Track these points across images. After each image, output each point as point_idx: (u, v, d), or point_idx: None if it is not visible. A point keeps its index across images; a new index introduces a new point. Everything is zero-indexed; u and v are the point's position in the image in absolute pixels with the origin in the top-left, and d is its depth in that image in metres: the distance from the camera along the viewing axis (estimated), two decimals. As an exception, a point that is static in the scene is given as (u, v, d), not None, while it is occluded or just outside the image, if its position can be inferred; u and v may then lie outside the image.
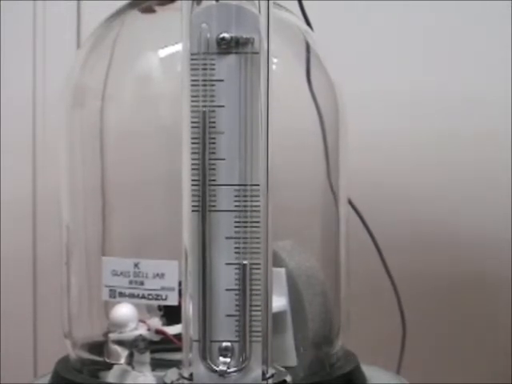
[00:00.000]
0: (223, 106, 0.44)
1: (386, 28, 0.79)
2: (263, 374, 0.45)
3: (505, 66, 0.78)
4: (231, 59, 0.44)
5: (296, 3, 0.58)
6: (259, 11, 0.45)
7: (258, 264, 0.44)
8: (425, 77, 0.79)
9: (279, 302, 0.50)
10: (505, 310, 0.77)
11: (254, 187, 0.45)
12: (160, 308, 0.51)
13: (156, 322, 0.51)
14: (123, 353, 0.51)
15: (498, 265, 0.78)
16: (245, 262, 0.44)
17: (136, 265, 0.49)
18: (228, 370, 0.44)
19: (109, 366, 0.51)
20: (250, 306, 0.44)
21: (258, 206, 0.45)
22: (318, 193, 0.56)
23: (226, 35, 0.44)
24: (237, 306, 0.44)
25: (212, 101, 0.44)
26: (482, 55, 0.79)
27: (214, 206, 0.45)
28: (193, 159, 0.45)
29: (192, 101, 0.44)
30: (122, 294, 0.49)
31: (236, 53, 0.44)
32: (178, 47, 0.47)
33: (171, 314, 0.50)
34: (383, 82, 0.78)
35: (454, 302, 0.79)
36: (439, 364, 0.78)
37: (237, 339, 0.44)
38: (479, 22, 0.79)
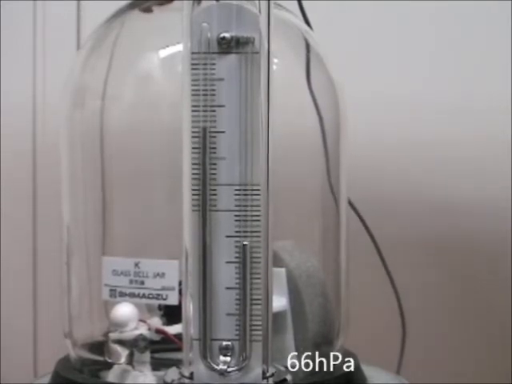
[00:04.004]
0: (224, 106, 0.44)
1: (387, 28, 0.79)
2: (263, 372, 0.45)
3: (505, 71, 0.78)
4: (232, 59, 0.44)
5: (296, 3, 0.58)
6: (259, 11, 0.45)
7: (259, 263, 0.45)
8: (425, 77, 0.79)
9: (279, 301, 0.50)
10: (505, 309, 0.77)
11: (255, 186, 0.45)
12: (160, 307, 0.51)
13: (156, 321, 0.51)
14: (123, 352, 0.51)
15: (498, 265, 0.78)
16: (245, 242, 0.44)
17: (136, 264, 0.49)
18: (228, 369, 0.45)
19: (109, 366, 0.51)
20: (251, 304, 0.44)
21: (259, 205, 0.45)
22: (318, 193, 0.56)
23: (226, 35, 0.44)
24: (237, 304, 0.44)
25: (212, 100, 0.44)
26: (483, 61, 0.78)
27: (214, 205, 0.45)
28: (193, 158, 0.45)
29: (192, 100, 0.44)
30: (122, 294, 0.49)
31: (236, 52, 0.44)
32: (178, 47, 0.47)
33: (171, 314, 0.50)
34: (383, 83, 0.78)
35: (455, 302, 0.79)
36: (439, 364, 0.78)
37: (237, 338, 0.45)
38: (481, 30, 0.78)
